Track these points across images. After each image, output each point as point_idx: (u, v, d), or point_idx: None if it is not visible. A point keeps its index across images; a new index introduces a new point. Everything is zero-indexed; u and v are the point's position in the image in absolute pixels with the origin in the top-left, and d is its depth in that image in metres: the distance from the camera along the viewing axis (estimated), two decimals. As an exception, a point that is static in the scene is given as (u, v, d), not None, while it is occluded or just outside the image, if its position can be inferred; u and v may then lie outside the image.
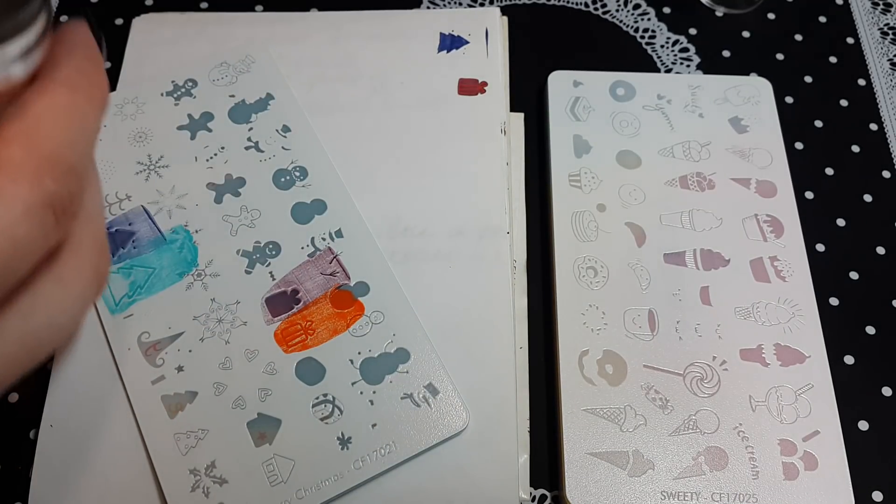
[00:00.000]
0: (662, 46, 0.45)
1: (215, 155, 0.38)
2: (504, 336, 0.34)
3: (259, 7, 0.45)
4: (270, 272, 0.35)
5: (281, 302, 0.34)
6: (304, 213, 0.36)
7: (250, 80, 0.40)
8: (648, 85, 0.42)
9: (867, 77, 0.45)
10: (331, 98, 0.40)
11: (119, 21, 0.45)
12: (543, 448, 0.34)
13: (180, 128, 0.38)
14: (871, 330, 0.37)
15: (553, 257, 0.37)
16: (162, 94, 0.39)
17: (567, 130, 0.40)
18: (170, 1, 0.45)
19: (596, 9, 0.46)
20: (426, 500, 0.31)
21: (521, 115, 0.42)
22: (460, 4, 0.46)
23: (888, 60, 0.45)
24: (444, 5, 0.46)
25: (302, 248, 0.36)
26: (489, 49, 0.41)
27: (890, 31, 0.46)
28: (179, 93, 0.39)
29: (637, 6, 0.46)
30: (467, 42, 0.41)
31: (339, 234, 0.36)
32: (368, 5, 0.44)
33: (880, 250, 0.39)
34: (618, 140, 0.40)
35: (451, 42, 0.41)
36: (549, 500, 0.33)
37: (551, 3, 0.46)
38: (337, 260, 0.35)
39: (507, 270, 0.35)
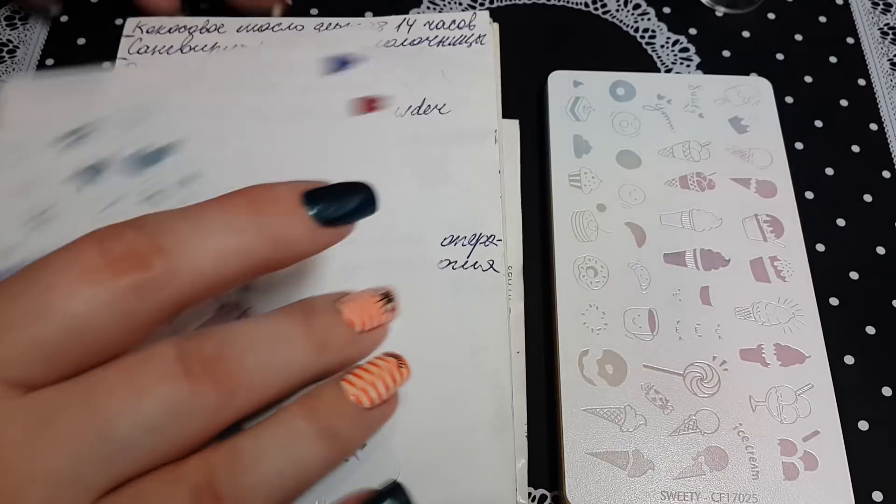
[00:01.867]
0: (662, 46, 0.45)
1: None
2: (500, 342, 0.34)
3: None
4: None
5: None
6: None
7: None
8: (648, 85, 0.42)
9: (867, 77, 0.45)
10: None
11: (119, 21, 0.45)
12: (543, 448, 0.34)
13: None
14: (871, 330, 0.37)
15: (553, 257, 0.37)
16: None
17: (567, 130, 0.40)
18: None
19: (596, 9, 0.46)
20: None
21: (517, 121, 0.41)
22: (460, 4, 0.46)
23: (888, 60, 0.45)
24: (445, 5, 0.46)
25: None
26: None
27: (890, 31, 0.46)
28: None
29: (637, 6, 0.46)
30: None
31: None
32: (368, 6, 0.44)
33: (880, 250, 0.39)
34: (618, 140, 0.40)
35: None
36: (549, 500, 0.33)
37: (551, 3, 0.46)
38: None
39: (501, 277, 0.35)
